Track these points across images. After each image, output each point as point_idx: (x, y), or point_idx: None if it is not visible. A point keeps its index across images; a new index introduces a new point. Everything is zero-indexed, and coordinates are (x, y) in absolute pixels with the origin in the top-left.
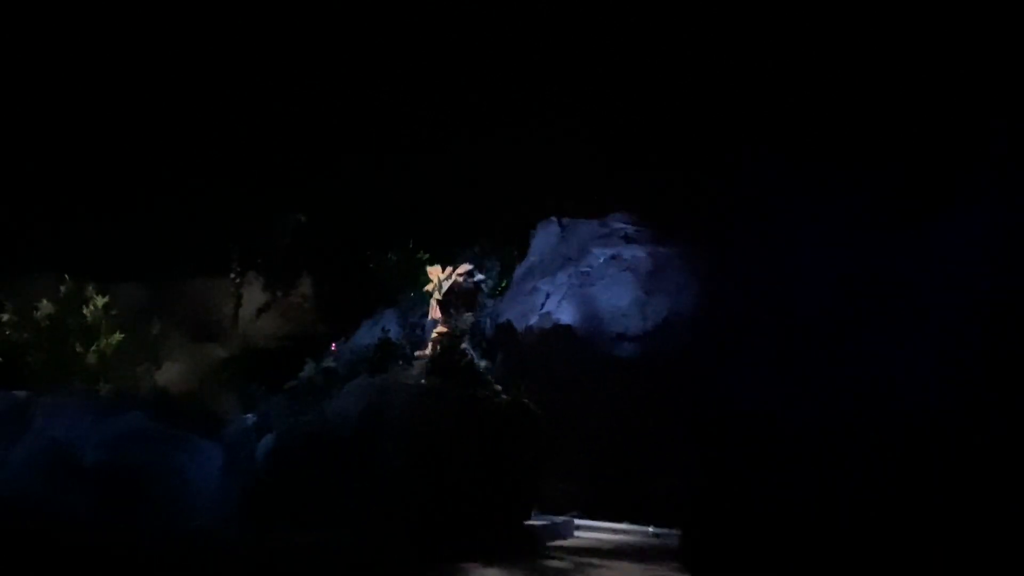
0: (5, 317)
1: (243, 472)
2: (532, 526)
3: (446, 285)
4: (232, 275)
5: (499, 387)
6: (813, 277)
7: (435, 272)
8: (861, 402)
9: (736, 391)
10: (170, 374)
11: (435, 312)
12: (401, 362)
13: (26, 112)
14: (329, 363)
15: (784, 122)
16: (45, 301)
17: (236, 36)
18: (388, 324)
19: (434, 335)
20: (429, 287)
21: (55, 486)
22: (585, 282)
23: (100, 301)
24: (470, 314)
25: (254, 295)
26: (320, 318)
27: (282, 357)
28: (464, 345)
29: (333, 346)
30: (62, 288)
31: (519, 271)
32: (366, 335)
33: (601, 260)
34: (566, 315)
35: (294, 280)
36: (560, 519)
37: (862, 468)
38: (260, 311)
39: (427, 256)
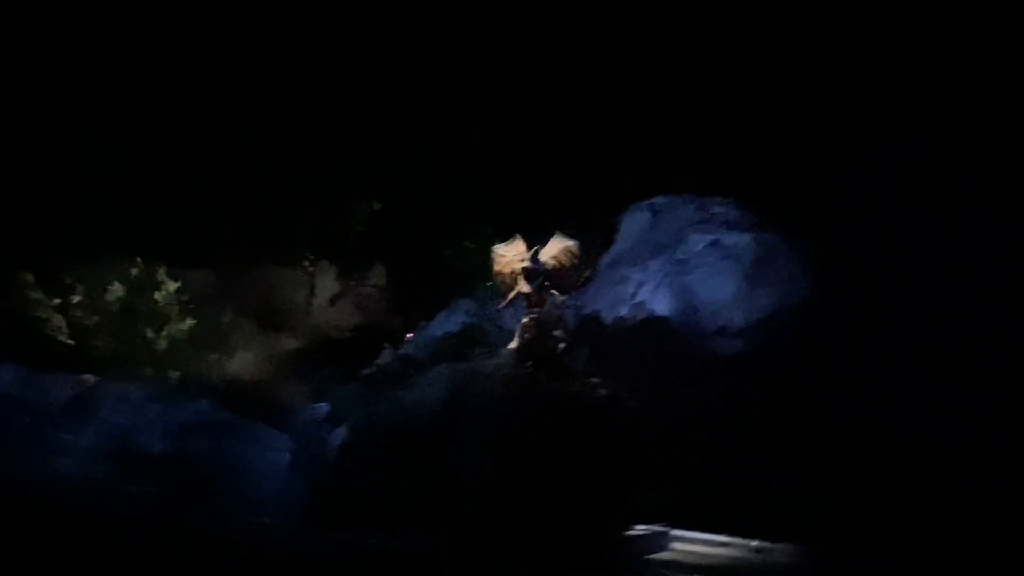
0: (75, 299)
1: (313, 466)
2: (630, 537)
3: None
4: (305, 263)
5: (595, 380)
6: (942, 267)
7: (509, 251)
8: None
9: (862, 393)
10: (240, 363)
11: (523, 286)
12: (487, 350)
13: (101, 92)
14: (407, 349)
15: (903, 100)
16: (116, 283)
17: (315, 14)
18: (464, 314)
19: (524, 320)
20: (511, 255)
21: (120, 474)
22: (682, 271)
23: (172, 286)
24: (564, 297)
25: (327, 284)
26: (394, 308)
27: (354, 347)
28: (557, 332)
29: (408, 336)
30: (133, 271)
31: (606, 259)
32: (441, 325)
33: (700, 247)
34: (661, 306)
35: (367, 269)
36: (655, 529)
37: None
38: (333, 300)
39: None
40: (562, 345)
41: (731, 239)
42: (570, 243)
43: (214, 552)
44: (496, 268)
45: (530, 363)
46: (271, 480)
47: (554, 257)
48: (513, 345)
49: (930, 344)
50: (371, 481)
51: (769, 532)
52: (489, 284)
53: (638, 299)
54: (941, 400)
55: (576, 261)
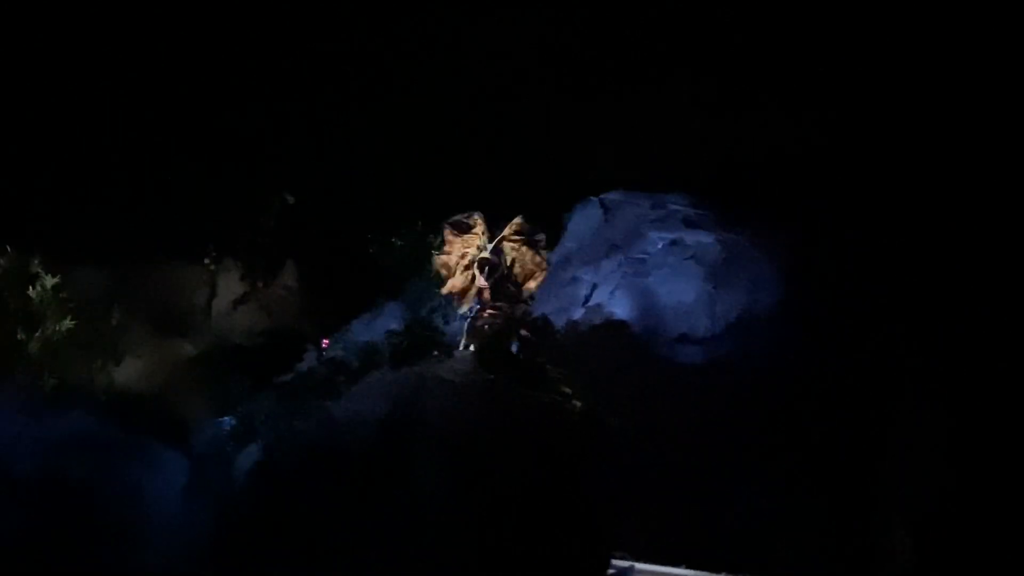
0: None
1: (216, 492)
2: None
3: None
4: (206, 260)
5: (568, 390)
6: (921, 269)
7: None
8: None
9: (834, 407)
10: (129, 370)
11: (479, 279)
12: (436, 352)
13: None
14: (336, 353)
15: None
16: None
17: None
18: (392, 318)
19: (479, 318)
20: (463, 241)
21: None
22: (640, 271)
23: (49, 281)
24: (528, 293)
25: (230, 284)
26: (308, 311)
27: (263, 355)
28: (524, 332)
29: (324, 342)
30: (1, 261)
31: (552, 259)
32: (364, 330)
33: (659, 246)
34: (620, 308)
35: (277, 268)
36: (620, 563)
37: None
38: (237, 302)
39: (439, 241)
40: (531, 346)
41: (692, 238)
42: (534, 233)
43: None
44: (443, 255)
45: (492, 367)
46: (163, 508)
47: (515, 248)
48: (466, 347)
49: (911, 350)
50: (290, 511)
51: (737, 563)
52: (420, 284)
53: (593, 301)
54: (925, 412)
55: (539, 256)
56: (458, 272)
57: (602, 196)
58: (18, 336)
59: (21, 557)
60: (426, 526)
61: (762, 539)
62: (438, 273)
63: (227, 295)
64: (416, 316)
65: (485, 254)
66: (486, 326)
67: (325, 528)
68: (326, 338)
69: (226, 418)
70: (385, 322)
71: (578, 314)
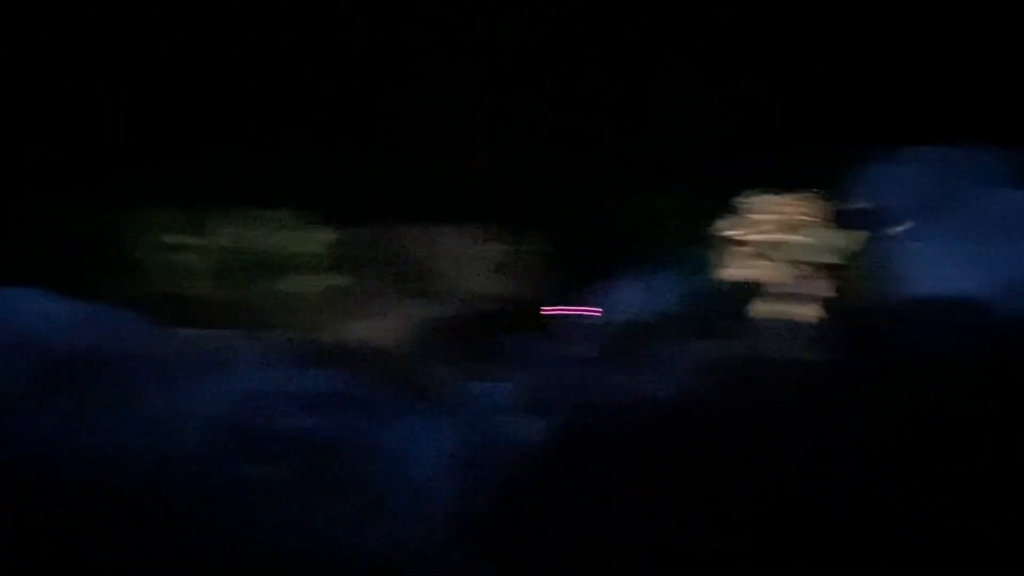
0: (216, 242)
1: (490, 466)
2: None
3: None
4: (471, 224)
5: (926, 380)
6: None
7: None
8: None
9: None
10: (388, 329)
11: (807, 284)
12: (754, 327)
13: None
14: (644, 317)
15: None
16: (263, 227)
17: None
18: (631, 291)
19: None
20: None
21: (237, 452)
22: (975, 237)
23: (326, 236)
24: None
25: (486, 248)
26: (561, 278)
27: (529, 321)
28: (868, 306)
29: (592, 310)
30: (281, 214)
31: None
32: (627, 300)
33: (993, 208)
34: (962, 282)
35: (532, 232)
36: None
37: None
38: (496, 267)
39: (708, 204)
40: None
41: None
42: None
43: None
44: (736, 234)
45: (848, 349)
46: (426, 482)
47: (825, 233)
48: (810, 317)
49: None
50: (591, 501)
51: None
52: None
53: (923, 274)
54: None
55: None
56: (751, 258)
57: (899, 152)
58: (296, 288)
59: (271, 517)
60: (745, 531)
61: None
62: (727, 254)
63: (484, 258)
64: (717, 284)
65: (794, 237)
66: (832, 293)
67: (616, 524)
68: (591, 305)
69: (503, 383)
70: (655, 293)
71: (903, 289)
